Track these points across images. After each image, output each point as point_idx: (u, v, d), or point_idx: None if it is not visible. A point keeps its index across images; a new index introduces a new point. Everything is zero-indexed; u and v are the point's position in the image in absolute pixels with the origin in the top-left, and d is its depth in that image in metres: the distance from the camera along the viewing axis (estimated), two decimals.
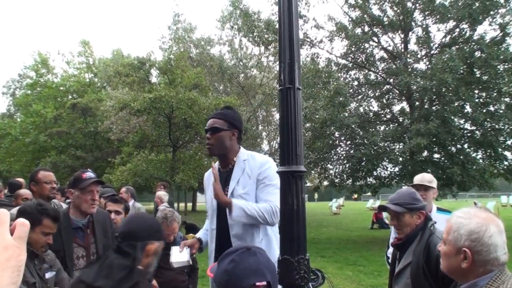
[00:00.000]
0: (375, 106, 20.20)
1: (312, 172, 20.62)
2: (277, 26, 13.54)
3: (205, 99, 21.65)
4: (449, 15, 16.04)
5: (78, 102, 30.90)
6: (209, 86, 25.54)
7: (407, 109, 18.31)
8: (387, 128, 18.93)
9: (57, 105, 33.86)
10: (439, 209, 4.35)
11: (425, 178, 4.42)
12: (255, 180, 3.30)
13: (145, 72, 24.34)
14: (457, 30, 16.87)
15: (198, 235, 3.74)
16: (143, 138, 25.02)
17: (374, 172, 18.16)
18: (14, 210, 4.08)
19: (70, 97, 35.54)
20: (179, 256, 3.51)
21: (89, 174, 3.80)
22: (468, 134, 16.91)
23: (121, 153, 24.89)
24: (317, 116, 16.35)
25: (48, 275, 3.12)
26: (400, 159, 16.70)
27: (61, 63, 38.61)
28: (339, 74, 19.15)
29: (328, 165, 19.87)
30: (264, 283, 1.74)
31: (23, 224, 0.83)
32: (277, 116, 26.21)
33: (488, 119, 15.74)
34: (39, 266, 3.02)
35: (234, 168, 3.39)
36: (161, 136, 24.76)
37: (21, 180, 7.39)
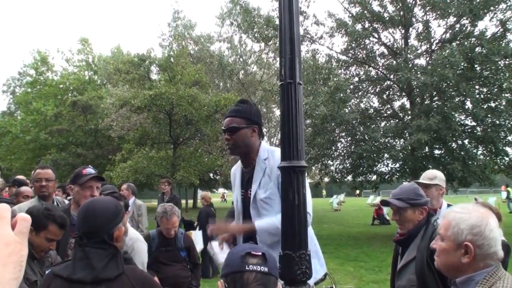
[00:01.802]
0: (375, 102, 20.19)
1: (313, 168, 20.62)
2: (277, 22, 13.48)
3: (205, 96, 21.66)
4: (449, 11, 16.00)
5: (78, 99, 30.88)
6: (209, 83, 25.52)
7: (408, 105, 18.30)
8: (387, 124, 18.91)
9: (57, 103, 33.87)
10: (449, 205, 4.31)
11: (426, 175, 4.36)
12: (276, 182, 3.15)
13: (145, 69, 24.34)
14: (458, 25, 16.83)
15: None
16: (143, 135, 25.01)
17: (375, 168, 18.16)
18: (16, 207, 4.10)
19: (70, 94, 35.56)
20: (222, 254, 3.39)
21: (89, 170, 3.79)
22: (469, 130, 16.90)
23: (122, 150, 24.90)
24: (317, 112, 16.31)
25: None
26: (401, 155, 16.68)
27: (60, 61, 38.68)
28: (340, 70, 19.13)
29: (329, 161, 19.88)
30: (259, 253, 1.72)
31: (24, 219, 0.82)
32: (277, 112, 26.20)
33: (488, 115, 15.72)
34: (38, 267, 3.00)
35: (255, 168, 3.24)
36: (161, 133, 24.75)
37: (22, 177, 7.41)
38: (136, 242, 4.29)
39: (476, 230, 1.97)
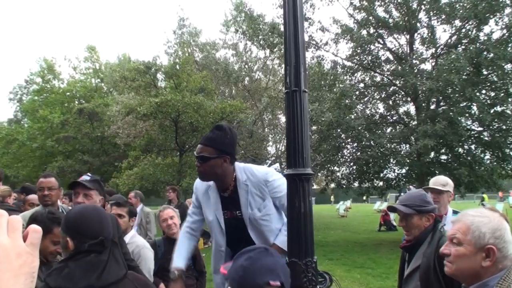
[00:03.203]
0: (381, 108, 20.17)
1: (319, 174, 20.60)
2: (282, 29, 13.47)
3: (211, 103, 21.67)
4: (454, 15, 15.98)
5: (85, 107, 30.96)
6: (215, 90, 25.56)
7: (413, 111, 18.26)
8: (393, 130, 18.88)
9: (64, 110, 34.00)
10: (455, 212, 4.31)
11: (438, 181, 4.36)
12: (270, 198, 3.25)
13: (151, 77, 24.39)
14: (463, 30, 16.80)
15: (178, 264, 3.57)
16: (149, 142, 25.04)
17: (381, 174, 18.12)
18: (20, 215, 4.10)
19: (76, 102, 35.68)
20: None
21: (84, 177, 3.80)
22: (476, 135, 16.84)
23: (128, 158, 24.92)
24: (323, 119, 16.30)
25: None
26: (407, 160, 16.64)
27: (67, 68, 38.90)
28: (345, 77, 19.12)
29: (335, 168, 19.85)
30: (278, 283, 1.72)
31: (36, 230, 0.83)
32: (283, 119, 26.18)
33: (495, 120, 15.66)
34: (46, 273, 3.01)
35: (238, 192, 3.28)
36: (167, 140, 24.75)
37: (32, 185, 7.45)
38: (142, 250, 4.31)
39: (498, 234, 1.99)
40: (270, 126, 28.92)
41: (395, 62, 18.39)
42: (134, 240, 4.46)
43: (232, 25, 28.22)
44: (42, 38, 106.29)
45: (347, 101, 16.90)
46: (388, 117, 19.69)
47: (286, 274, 1.80)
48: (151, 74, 24.40)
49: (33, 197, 5.91)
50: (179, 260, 3.59)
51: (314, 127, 17.66)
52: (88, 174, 3.94)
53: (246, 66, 29.59)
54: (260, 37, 21.06)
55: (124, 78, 25.16)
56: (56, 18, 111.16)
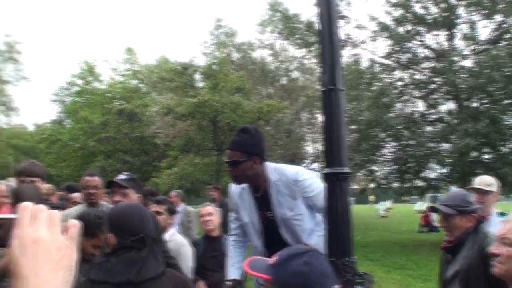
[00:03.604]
0: (421, 106, 19.82)
1: (358, 174, 20.41)
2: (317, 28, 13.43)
3: (248, 103, 21.70)
4: (494, 10, 15.59)
5: (125, 108, 31.44)
6: (252, 90, 25.58)
7: (454, 109, 17.89)
8: (434, 129, 18.53)
9: (104, 111, 34.60)
10: (501, 214, 4.21)
11: (483, 181, 4.26)
12: (301, 198, 3.22)
13: (188, 77, 24.59)
14: (504, 25, 16.36)
15: (231, 275, 3.60)
16: (188, 142, 25.22)
17: (422, 173, 17.81)
18: (63, 212, 4.18)
19: (116, 103, 36.23)
20: None
21: (120, 176, 3.85)
22: None
23: (167, 157, 25.18)
24: (361, 118, 16.13)
25: None
26: (449, 160, 16.31)
27: (107, 70, 39.70)
28: (383, 75, 18.88)
29: (374, 167, 19.63)
30: (338, 287, 1.69)
31: (75, 225, 0.86)
32: (320, 118, 26.01)
33: None
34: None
35: (269, 193, 3.28)
36: (205, 140, 24.91)
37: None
38: (182, 247, 4.34)
39: None
40: (308, 125, 28.77)
41: (435, 59, 18.04)
42: (174, 238, 4.50)
43: (268, 25, 28.18)
44: (83, 41, 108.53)
45: (385, 99, 16.68)
46: (428, 116, 19.33)
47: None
48: (188, 74, 24.60)
49: (76, 195, 6.05)
50: (231, 270, 3.62)
51: (352, 126, 17.50)
52: (124, 173, 3.98)
53: (283, 65, 29.49)
54: (296, 36, 20.99)
55: (162, 79, 25.46)
56: (96, 22, 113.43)
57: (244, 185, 3.43)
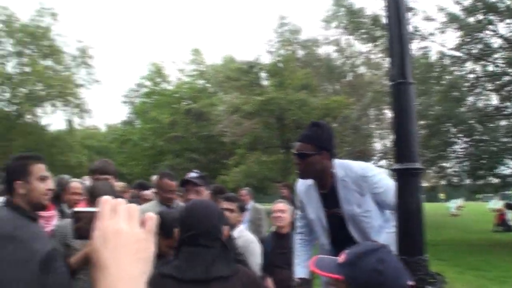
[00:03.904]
0: (494, 99, 19.05)
1: (429, 171, 19.89)
2: (384, 21, 13.10)
3: (315, 100, 21.60)
4: None
5: (192, 107, 32.06)
6: (318, 86, 25.44)
7: None
8: (509, 123, 17.76)
9: (172, 111, 35.43)
10: None
11: None
12: (369, 194, 3.16)
13: (254, 76, 24.74)
14: None
15: (299, 274, 3.60)
16: (255, 140, 25.40)
17: (496, 170, 17.13)
18: (143, 206, 4.34)
19: (184, 103, 37.00)
20: None
21: (191, 174, 3.91)
22: None
23: (235, 155, 25.46)
24: (431, 112, 15.70)
25: None
26: None
27: (174, 71, 40.55)
28: (453, 68, 18.27)
29: (445, 164, 19.07)
30: (411, 283, 1.66)
31: (152, 218, 0.88)
32: (389, 114, 25.52)
33: None
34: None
35: (337, 189, 3.22)
36: (272, 138, 25.01)
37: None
38: (251, 244, 4.37)
39: None
40: (375, 121, 28.32)
41: (508, 49, 17.28)
42: (243, 234, 4.54)
43: (332, 21, 27.91)
44: (151, 43, 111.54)
45: (456, 93, 16.15)
46: (503, 109, 18.54)
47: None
48: (254, 73, 24.76)
49: (148, 192, 6.28)
50: (298, 269, 3.62)
51: (421, 122, 17.05)
52: (194, 171, 4.04)
53: (349, 61, 29.15)
54: (362, 30, 20.70)
55: (228, 78, 25.76)
56: (163, 24, 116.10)
57: (310, 182, 3.40)
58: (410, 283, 1.64)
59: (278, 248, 5.07)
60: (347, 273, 1.68)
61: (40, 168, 2.76)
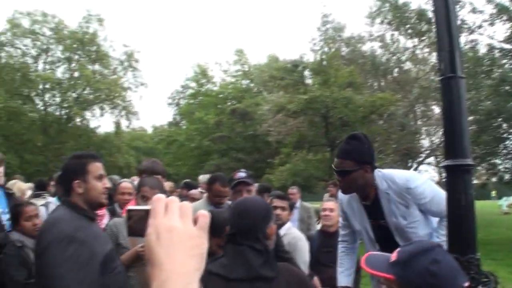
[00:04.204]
0: None
1: (479, 168, 19.43)
2: (430, 16, 12.84)
3: (360, 97, 21.38)
4: None
5: (237, 107, 32.27)
6: (363, 84, 25.17)
7: None
8: None
9: (217, 112, 35.83)
10: None
11: None
12: (415, 206, 3.08)
13: (298, 74, 24.69)
14: None
15: (342, 282, 3.61)
16: (300, 139, 25.34)
17: None
18: (193, 205, 4.39)
19: (229, 103, 37.31)
20: None
21: (240, 174, 3.92)
22: None
23: (280, 154, 25.47)
24: (481, 108, 15.32)
25: None
26: None
27: (218, 72, 41.05)
28: (504, 60, 17.75)
29: (496, 160, 18.58)
30: (467, 284, 1.62)
31: (204, 215, 0.90)
32: (436, 110, 25.05)
33: None
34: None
35: (381, 202, 3.16)
36: (317, 136, 24.88)
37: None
38: (299, 241, 4.40)
39: None
40: (422, 118, 27.83)
41: None
42: (290, 232, 4.56)
43: (377, 16, 27.55)
44: (195, 45, 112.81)
45: (507, 87, 15.70)
46: None
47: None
48: (298, 72, 24.70)
49: (195, 192, 6.38)
50: (342, 277, 3.63)
51: (471, 117, 16.65)
52: (242, 170, 4.06)
53: (394, 57, 28.73)
54: (408, 26, 20.38)
55: (272, 78, 25.78)
56: (207, 25, 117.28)
57: (352, 194, 3.37)
58: (466, 284, 1.59)
59: (324, 246, 5.07)
60: (399, 273, 1.65)
61: (97, 167, 2.80)
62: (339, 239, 3.82)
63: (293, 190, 8.41)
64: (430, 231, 3.15)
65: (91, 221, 2.72)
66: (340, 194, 3.58)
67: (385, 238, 3.21)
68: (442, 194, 2.84)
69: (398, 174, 3.24)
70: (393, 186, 3.11)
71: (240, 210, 2.33)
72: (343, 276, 3.62)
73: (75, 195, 2.70)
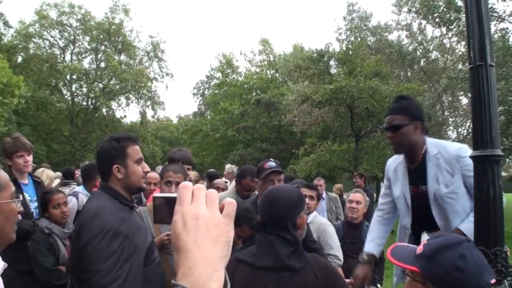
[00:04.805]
0: None
1: (507, 160, 19.11)
2: (459, 3, 12.62)
3: (387, 87, 21.17)
4: None
5: (262, 97, 32.30)
6: (390, 74, 24.90)
7: None
8: None
9: (242, 102, 35.96)
10: None
11: None
12: (460, 176, 3.01)
13: (324, 64, 24.56)
14: None
15: (368, 249, 3.55)
16: (325, 129, 25.27)
17: None
18: (220, 194, 4.45)
19: (254, 93, 37.41)
20: None
21: (270, 163, 3.89)
22: None
23: (305, 145, 25.45)
24: (510, 98, 15.04)
25: None
26: None
27: (243, 62, 40.94)
28: None
29: None
30: (494, 280, 1.59)
31: (231, 203, 0.90)
32: (464, 100, 24.68)
33: None
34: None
35: (427, 165, 3.11)
36: (343, 127, 24.77)
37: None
38: (326, 227, 4.46)
39: None
40: (450, 108, 27.45)
41: None
42: (316, 219, 4.58)
43: (404, 5, 27.19)
44: (220, 35, 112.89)
45: None
46: None
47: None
48: (324, 61, 24.57)
49: (220, 181, 6.42)
50: (370, 244, 3.58)
51: (500, 108, 16.35)
52: (271, 159, 4.04)
53: (421, 46, 28.34)
54: (436, 14, 20.05)
55: (298, 68, 25.71)
56: (232, 15, 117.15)
57: (401, 159, 3.34)
58: (493, 281, 1.56)
59: (348, 237, 5.07)
60: (424, 266, 1.63)
61: (136, 150, 2.70)
62: (378, 207, 3.76)
63: (320, 181, 8.41)
64: (467, 210, 3.05)
65: (131, 211, 2.65)
66: (388, 162, 3.55)
67: (422, 208, 3.16)
68: None
69: (450, 143, 3.24)
70: (443, 152, 3.09)
71: (270, 199, 2.31)
72: (372, 243, 3.57)
73: (115, 181, 2.62)
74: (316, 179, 8.76)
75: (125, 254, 2.31)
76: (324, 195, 7.91)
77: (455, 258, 1.57)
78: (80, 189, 5.26)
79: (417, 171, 3.20)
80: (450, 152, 3.06)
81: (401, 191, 3.33)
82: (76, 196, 4.94)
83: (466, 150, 3.05)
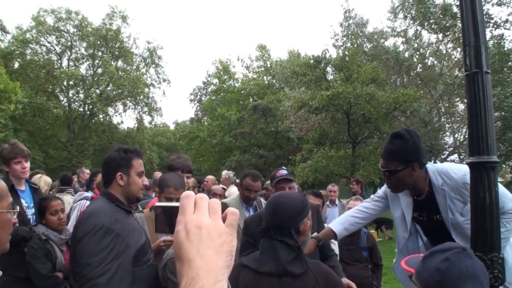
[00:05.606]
0: None
1: (504, 166, 19.16)
2: (455, 10, 12.69)
3: (383, 93, 21.22)
4: None
5: (259, 103, 32.36)
6: (386, 80, 24.96)
7: None
8: None
9: (239, 108, 36.02)
10: None
11: None
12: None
13: (321, 70, 24.61)
14: None
15: (332, 226, 3.53)
16: (322, 135, 25.31)
17: None
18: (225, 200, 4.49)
19: (251, 99, 37.48)
20: None
21: (282, 172, 3.93)
22: None
23: (302, 151, 25.47)
24: (506, 104, 15.08)
25: None
26: None
27: (240, 68, 41.05)
28: None
29: None
30: None
31: (234, 212, 0.90)
32: (461, 106, 24.75)
33: None
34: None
35: (436, 198, 3.03)
36: (339, 133, 24.81)
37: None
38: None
39: None
40: (446, 114, 27.52)
41: None
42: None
43: (400, 11, 27.28)
44: (217, 41, 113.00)
45: None
46: None
47: (486, 278, 1.63)
48: (321, 68, 24.62)
49: (217, 188, 6.43)
50: (334, 224, 3.56)
51: (496, 114, 16.39)
52: (284, 168, 4.07)
53: (418, 52, 28.43)
54: (432, 20, 20.13)
55: (294, 74, 25.75)
56: (228, 22, 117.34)
57: None
58: None
59: (346, 244, 5.06)
60: (417, 269, 1.71)
61: (140, 164, 2.91)
62: (366, 199, 3.74)
63: (334, 187, 8.44)
64: None
65: (127, 214, 2.80)
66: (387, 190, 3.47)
67: (437, 232, 3.12)
68: (500, 188, 2.66)
69: (454, 169, 3.08)
70: (449, 181, 3.00)
71: (274, 205, 2.33)
72: (337, 223, 3.55)
73: (116, 187, 2.80)
74: (330, 185, 8.77)
75: (115, 251, 2.43)
76: (337, 202, 7.96)
77: (439, 261, 1.62)
78: (89, 194, 5.35)
79: (426, 202, 3.14)
80: (455, 179, 2.97)
81: (401, 214, 3.32)
82: (88, 200, 5.01)
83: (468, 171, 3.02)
